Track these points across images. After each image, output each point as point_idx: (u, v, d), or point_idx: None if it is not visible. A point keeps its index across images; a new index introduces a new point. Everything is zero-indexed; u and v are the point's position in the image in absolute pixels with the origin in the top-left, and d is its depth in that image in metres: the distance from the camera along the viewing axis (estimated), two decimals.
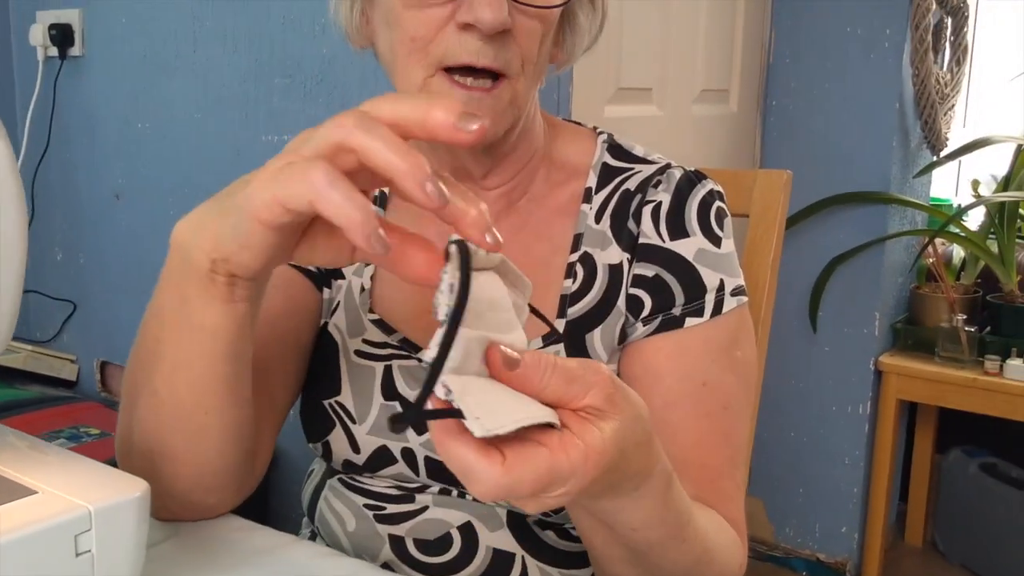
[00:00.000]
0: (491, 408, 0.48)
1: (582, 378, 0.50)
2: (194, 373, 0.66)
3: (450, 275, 0.49)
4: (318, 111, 1.73)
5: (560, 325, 0.83)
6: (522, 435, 0.49)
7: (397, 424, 0.48)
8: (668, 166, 0.88)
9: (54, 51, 2.04)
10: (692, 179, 0.86)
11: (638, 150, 0.91)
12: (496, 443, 0.48)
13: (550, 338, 0.83)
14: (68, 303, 2.17)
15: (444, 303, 0.48)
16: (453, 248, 0.50)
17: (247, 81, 1.81)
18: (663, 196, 0.85)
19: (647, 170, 0.88)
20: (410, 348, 0.87)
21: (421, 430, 0.87)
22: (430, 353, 0.48)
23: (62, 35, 2.02)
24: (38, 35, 2.05)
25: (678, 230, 0.84)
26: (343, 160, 0.51)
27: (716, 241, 0.84)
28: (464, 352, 0.48)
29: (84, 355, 2.17)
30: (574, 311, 0.83)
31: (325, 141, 0.52)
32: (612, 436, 0.50)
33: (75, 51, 2.04)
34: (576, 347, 0.83)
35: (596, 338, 0.83)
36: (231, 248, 0.58)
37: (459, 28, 0.73)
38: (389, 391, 0.86)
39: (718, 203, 0.86)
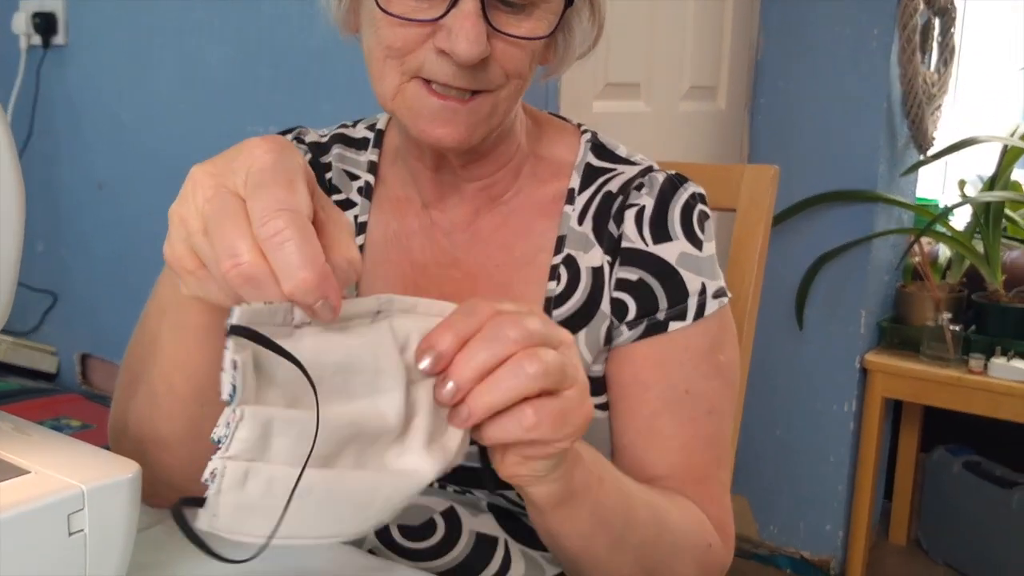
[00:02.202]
0: (244, 516, 0.47)
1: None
2: (192, 368, 0.65)
3: (232, 351, 0.46)
4: (304, 103, 1.72)
5: None
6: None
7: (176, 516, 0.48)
8: (650, 169, 0.88)
9: (37, 40, 2.02)
10: (675, 182, 0.86)
11: (621, 150, 0.90)
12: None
13: None
14: (49, 295, 2.14)
15: (227, 381, 0.46)
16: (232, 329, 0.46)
17: (232, 72, 1.80)
18: (647, 200, 0.84)
19: (629, 171, 0.87)
20: None
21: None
22: (218, 431, 0.46)
23: (46, 23, 2.00)
24: (21, 23, 2.03)
25: (661, 234, 0.84)
26: None
27: (698, 244, 0.84)
28: (262, 433, 0.46)
29: (64, 348, 2.15)
30: (559, 313, 0.84)
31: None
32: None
33: (59, 40, 2.02)
34: None
35: (581, 340, 0.83)
36: None
37: (436, 51, 0.72)
38: None
39: (700, 206, 0.86)
